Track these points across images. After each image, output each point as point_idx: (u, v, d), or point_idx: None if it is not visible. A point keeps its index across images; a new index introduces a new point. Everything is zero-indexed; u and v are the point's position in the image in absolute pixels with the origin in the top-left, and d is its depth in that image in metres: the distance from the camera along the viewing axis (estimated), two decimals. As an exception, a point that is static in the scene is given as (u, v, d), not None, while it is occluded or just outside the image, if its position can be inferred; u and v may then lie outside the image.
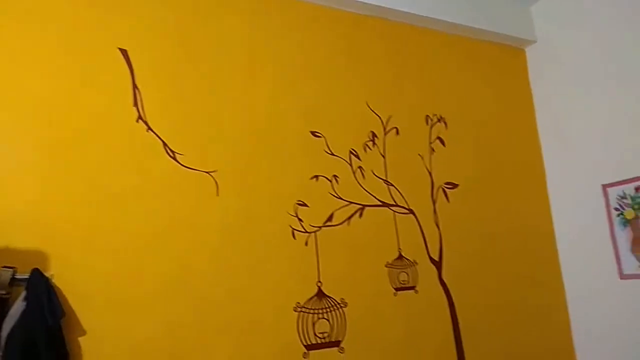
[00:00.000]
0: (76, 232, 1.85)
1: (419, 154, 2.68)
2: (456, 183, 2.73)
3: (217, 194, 2.14)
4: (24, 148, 1.85)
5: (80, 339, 1.79)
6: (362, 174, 2.49)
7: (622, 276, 2.59)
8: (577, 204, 2.84)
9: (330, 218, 2.35)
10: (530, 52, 3.20)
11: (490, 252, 2.72)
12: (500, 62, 3.10)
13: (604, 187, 2.70)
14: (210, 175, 2.14)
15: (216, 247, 2.07)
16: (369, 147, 2.55)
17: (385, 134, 2.61)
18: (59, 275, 1.79)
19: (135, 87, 2.07)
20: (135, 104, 2.06)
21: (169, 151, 2.09)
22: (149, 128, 2.06)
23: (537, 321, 2.75)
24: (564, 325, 2.83)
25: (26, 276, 1.69)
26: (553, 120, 3.03)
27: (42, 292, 1.68)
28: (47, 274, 1.74)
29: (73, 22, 2.02)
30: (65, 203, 1.86)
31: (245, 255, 2.12)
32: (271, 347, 2.08)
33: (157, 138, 2.07)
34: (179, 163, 2.09)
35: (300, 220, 2.28)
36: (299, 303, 2.18)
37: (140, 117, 2.06)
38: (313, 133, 2.42)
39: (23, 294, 1.66)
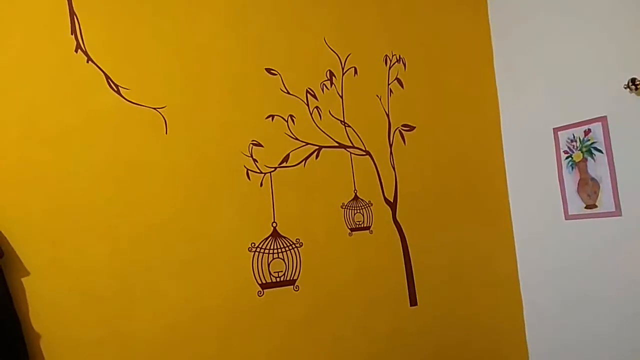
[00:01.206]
0: (11, 172, 1.74)
1: (377, 95, 2.64)
2: (413, 125, 2.73)
3: (166, 132, 2.04)
4: None
5: (23, 279, 1.72)
6: (319, 115, 2.44)
7: (568, 217, 2.69)
8: (529, 146, 2.90)
9: (286, 159, 2.31)
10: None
11: (443, 194, 2.77)
12: (460, 2, 3.03)
13: (555, 130, 2.75)
14: (158, 111, 2.04)
15: (165, 188, 2.00)
16: (327, 87, 2.48)
17: (343, 73, 2.55)
18: (-3, 216, 1.69)
19: (73, 13, 1.90)
20: (74, 32, 1.90)
21: (112, 85, 1.96)
22: (89, 59, 1.92)
23: (486, 261, 2.86)
24: (511, 264, 2.96)
25: (-43, 215, 1.58)
26: (509, 63, 3.03)
27: (-24, 231, 1.58)
28: (-18, 214, 1.64)
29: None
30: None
31: (197, 196, 2.07)
32: (225, 286, 2.07)
33: (98, 70, 1.93)
34: (124, 98, 1.97)
35: (255, 160, 2.22)
36: (253, 243, 2.17)
37: (79, 47, 1.91)
38: (268, 70, 2.33)
39: (-46, 233, 1.56)
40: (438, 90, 2.85)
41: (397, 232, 2.58)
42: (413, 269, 2.59)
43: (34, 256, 1.74)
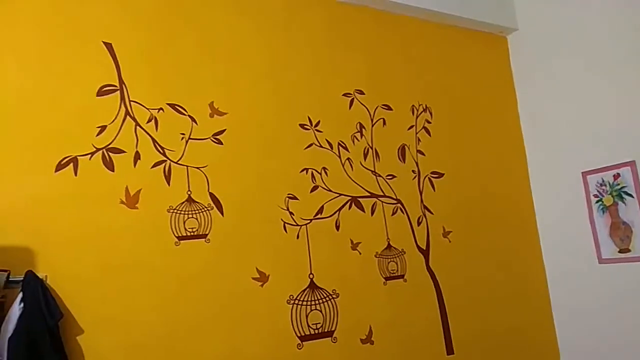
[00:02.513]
0: (67, 232, 1.84)
1: (405, 145, 2.71)
2: (441, 172, 2.78)
3: (208, 189, 2.13)
4: (9, 146, 1.81)
5: (78, 338, 1.79)
6: (351, 166, 2.52)
7: (601, 260, 2.69)
8: (558, 190, 2.93)
9: (320, 210, 2.38)
10: (512, 40, 3.24)
11: (475, 239, 2.79)
12: (483, 50, 3.13)
13: (584, 174, 2.78)
14: (201, 170, 2.13)
15: (210, 240, 2.08)
16: (357, 139, 2.57)
17: (372, 124, 2.64)
18: (52, 277, 1.77)
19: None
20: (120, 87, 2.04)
21: (158, 147, 2.07)
22: (138, 124, 2.04)
23: (520, 304, 2.85)
24: (545, 307, 2.93)
25: (20, 278, 1.67)
26: (534, 108, 3.09)
27: (38, 293, 1.67)
28: (40, 275, 1.73)
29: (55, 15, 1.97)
30: (55, 203, 1.84)
31: (239, 249, 2.13)
32: (265, 339, 2.11)
33: (146, 135, 2.05)
34: (169, 159, 2.08)
35: (291, 213, 2.30)
36: (292, 295, 2.21)
37: (127, 114, 2.03)
38: (302, 126, 2.42)
39: (19, 296, 1.65)
40: (464, 137, 2.92)
41: (430, 279, 2.60)
42: (448, 317, 2.59)
43: (87, 316, 1.81)
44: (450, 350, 2.55)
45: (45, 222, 1.81)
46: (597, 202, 2.72)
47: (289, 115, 2.40)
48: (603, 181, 2.68)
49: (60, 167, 1.87)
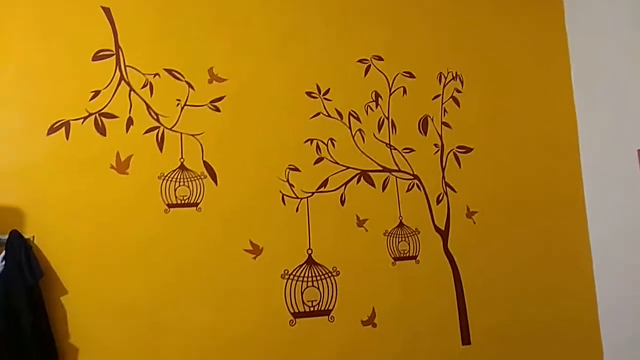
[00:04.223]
0: (57, 194, 1.87)
1: (427, 116, 2.48)
2: (470, 147, 2.52)
3: (202, 157, 2.08)
4: (5, 111, 1.86)
5: (62, 298, 1.84)
6: (362, 137, 2.35)
7: (655, 252, 2.32)
8: (610, 169, 2.55)
9: (324, 183, 2.25)
10: (569, 1, 2.84)
11: (506, 221, 2.51)
12: (532, 8, 2.76)
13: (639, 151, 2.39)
14: (196, 138, 2.09)
15: (201, 209, 2.04)
16: (371, 109, 2.39)
17: (390, 94, 2.44)
18: (40, 237, 1.82)
19: (117, 46, 2.03)
20: (117, 64, 2.02)
21: (152, 113, 2.04)
22: (132, 89, 2.02)
23: (557, 296, 2.53)
24: (589, 302, 2.59)
25: (5, 237, 1.72)
26: (588, 78, 2.70)
27: (20, 252, 1.71)
28: (27, 236, 1.78)
29: None
30: (46, 166, 1.87)
31: (231, 219, 2.08)
32: (255, 313, 2.05)
33: (141, 100, 2.03)
34: (163, 125, 2.05)
35: (291, 185, 2.19)
36: (287, 270, 2.12)
37: (122, 79, 2.02)
38: (308, 94, 2.29)
39: (2, 254, 1.70)
40: (502, 109, 2.61)
41: (448, 262, 2.39)
42: (467, 303, 2.37)
43: (73, 277, 1.85)
44: (466, 340, 2.34)
45: (35, 184, 1.86)
46: (654, 184, 2.33)
47: (295, 82, 2.28)
48: (662, 160, 2.29)
49: (52, 130, 1.91)
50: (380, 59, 2.44)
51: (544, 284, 2.51)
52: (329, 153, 2.28)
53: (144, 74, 2.05)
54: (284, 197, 2.17)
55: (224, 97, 2.14)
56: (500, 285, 2.44)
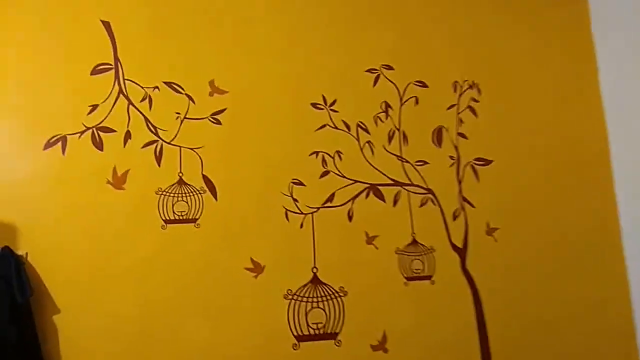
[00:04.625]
0: (52, 210, 1.83)
1: (442, 126, 2.35)
2: (489, 159, 2.36)
3: (202, 172, 2.01)
4: (1, 125, 1.85)
5: (54, 317, 1.77)
6: (372, 150, 2.23)
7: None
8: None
9: (330, 198, 2.13)
10: (594, 1, 2.67)
11: (531, 238, 2.32)
12: (555, 10, 2.60)
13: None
14: (195, 151, 2.02)
15: (200, 225, 1.95)
16: (381, 120, 2.28)
17: (401, 104, 2.32)
18: (34, 254, 1.77)
19: (116, 59, 2.00)
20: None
21: (150, 127, 1.99)
22: (131, 103, 1.98)
23: (591, 320, 2.31)
24: (624, 325, 2.35)
25: (-4, 253, 1.69)
26: (619, 82, 2.51)
27: (10, 268, 1.66)
28: (20, 252, 1.73)
29: None
30: (41, 181, 1.84)
31: (231, 236, 1.98)
32: (256, 336, 1.93)
33: (139, 114, 1.99)
34: (161, 139, 1.99)
35: (295, 200, 2.09)
36: (290, 290, 2.00)
37: (121, 92, 1.98)
38: (314, 105, 2.20)
39: (-9, 271, 1.66)
40: (525, 118, 2.45)
41: (467, 283, 2.21)
42: (487, 328, 2.18)
43: (67, 295, 1.79)
44: (488, 368, 2.14)
45: (30, 199, 1.82)
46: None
47: (300, 93, 2.19)
48: None
49: (48, 145, 1.88)
50: (391, 68, 2.33)
51: (575, 306, 2.29)
52: (336, 166, 2.17)
53: (143, 87, 2.01)
54: (288, 212, 2.07)
55: (225, 109, 2.08)
56: (525, 308, 2.24)
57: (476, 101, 2.41)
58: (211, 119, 2.06)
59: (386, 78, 2.32)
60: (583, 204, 2.42)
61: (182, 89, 2.05)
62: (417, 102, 2.34)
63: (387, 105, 2.30)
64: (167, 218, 1.93)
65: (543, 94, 2.49)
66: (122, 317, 1.82)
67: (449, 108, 2.37)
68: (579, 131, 2.50)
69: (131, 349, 1.81)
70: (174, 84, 2.05)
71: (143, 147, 1.96)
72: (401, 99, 2.32)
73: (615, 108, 2.52)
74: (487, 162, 2.36)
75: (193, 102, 2.05)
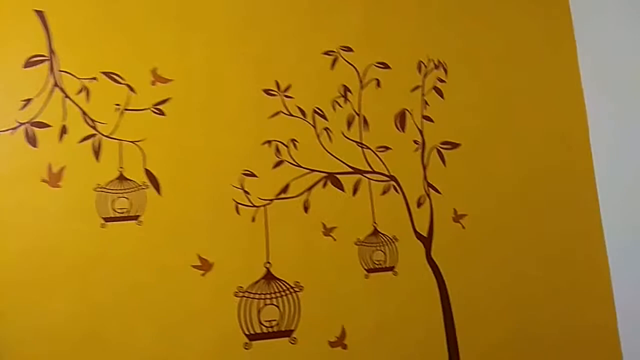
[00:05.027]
0: (-17, 211, 1.74)
1: (406, 110, 2.22)
2: (457, 142, 2.24)
3: (144, 165, 1.91)
4: None
5: (-10, 322, 1.70)
6: (329, 137, 2.12)
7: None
8: (625, 162, 2.21)
9: (284, 189, 2.03)
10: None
11: (502, 225, 2.21)
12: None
13: (656, 139, 2.04)
14: (137, 144, 1.92)
15: (142, 222, 1.86)
16: (340, 105, 2.16)
17: (361, 87, 2.19)
18: (-36, 258, 1.69)
19: (51, 50, 1.90)
20: (52, 69, 1.89)
21: (88, 121, 1.89)
22: (67, 96, 1.88)
23: (567, 313, 2.19)
24: (605, 320, 2.23)
25: None
26: (600, 60, 2.36)
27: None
28: (-51, 257, 1.65)
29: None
30: (-30, 181, 1.75)
31: (176, 232, 1.89)
32: (204, 335, 1.84)
33: (76, 107, 1.89)
34: (100, 133, 1.89)
35: (246, 192, 1.98)
36: (241, 287, 1.91)
37: (56, 84, 1.88)
38: (266, 91, 2.08)
39: None
40: (493, 98, 2.32)
41: (432, 273, 2.11)
42: (455, 320, 2.08)
43: (3, 299, 1.71)
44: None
45: (-42, 200, 1.73)
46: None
47: (251, 80, 2.08)
48: (682, 147, 1.94)
49: (-22, 143, 1.78)
50: (350, 49, 2.20)
51: (548, 297, 2.19)
52: (290, 155, 2.06)
53: (79, 79, 1.91)
54: (238, 206, 1.96)
55: (168, 99, 1.97)
56: (495, 299, 2.13)
57: (443, 82, 2.28)
58: (154, 110, 1.95)
59: (345, 60, 2.19)
60: (558, 189, 2.30)
61: (122, 78, 1.94)
62: (378, 84, 2.21)
63: (346, 89, 2.17)
64: (107, 216, 1.83)
65: (516, 73, 2.36)
66: (63, 318, 1.74)
67: (413, 90, 2.25)
68: (556, 114, 2.36)
69: (74, 351, 1.73)
70: (113, 73, 1.94)
71: (80, 142, 1.86)
72: (361, 82, 2.20)
73: (596, 90, 2.37)
74: (455, 146, 2.23)
75: (134, 92, 1.94)
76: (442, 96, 2.27)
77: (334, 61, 2.18)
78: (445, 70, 2.29)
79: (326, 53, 2.18)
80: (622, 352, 2.20)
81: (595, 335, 2.19)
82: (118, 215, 1.84)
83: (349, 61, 2.19)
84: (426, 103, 2.25)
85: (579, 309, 2.20)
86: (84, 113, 1.89)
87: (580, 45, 2.44)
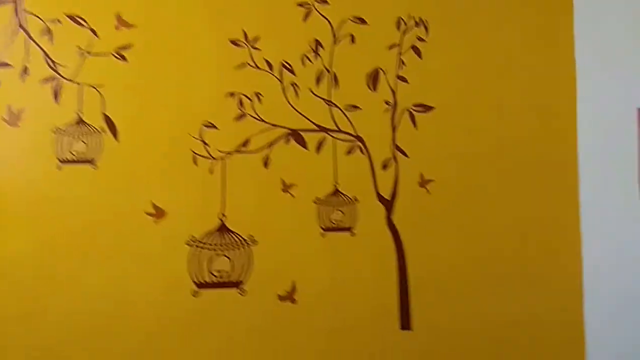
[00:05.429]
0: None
1: (380, 68, 2.14)
2: (430, 105, 2.16)
3: (104, 110, 1.92)
4: None
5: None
6: (296, 92, 2.07)
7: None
8: (607, 131, 2.10)
9: (245, 143, 2.01)
10: None
11: (471, 191, 2.14)
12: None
13: (640, 111, 1.92)
14: (96, 89, 1.92)
15: (98, 167, 1.89)
16: (309, 60, 2.10)
17: (335, 42, 2.12)
18: None
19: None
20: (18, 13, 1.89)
21: (50, 62, 1.90)
22: (30, 37, 1.89)
23: (530, 287, 2.14)
24: (574, 294, 2.17)
25: None
26: (597, 30, 2.20)
27: None
28: None
29: None
30: None
31: (131, 179, 1.91)
32: (153, 280, 1.89)
33: (38, 48, 1.89)
34: (61, 75, 1.90)
35: (205, 144, 1.98)
36: (193, 237, 1.94)
37: (20, 25, 1.89)
38: (233, 42, 2.04)
39: None
40: (477, 62, 2.20)
41: (391, 236, 2.08)
42: (409, 284, 2.06)
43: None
44: (406, 325, 2.04)
45: None
46: (651, 152, 1.87)
47: (217, 29, 2.03)
48: (662, 121, 1.82)
49: (-60, 80, 1.82)
50: (325, 2, 2.12)
51: (514, 270, 2.14)
52: (254, 109, 2.03)
53: (43, 21, 1.90)
54: (196, 156, 1.96)
55: (131, 45, 1.95)
56: (454, 267, 2.10)
57: (422, 40, 2.18)
58: (115, 55, 1.94)
59: (319, 13, 2.11)
60: (536, 155, 2.20)
61: (86, 22, 1.93)
62: (353, 40, 2.13)
63: (318, 44, 2.11)
64: (64, 158, 1.86)
65: (502, 37, 2.22)
66: (15, 258, 1.81)
67: (390, 48, 2.16)
68: (543, 83, 2.23)
69: (22, 289, 1.81)
70: (77, 16, 1.93)
71: (41, 83, 1.88)
72: (335, 37, 2.12)
73: (590, 59, 2.22)
74: (428, 109, 2.16)
75: (97, 36, 1.93)
76: (420, 56, 2.17)
77: (307, 13, 2.11)
78: (427, 29, 2.19)
79: (300, 4, 2.10)
80: (584, 321, 2.15)
81: (560, 310, 2.15)
82: (74, 158, 1.87)
83: (324, 14, 2.11)
84: (402, 62, 2.16)
85: (545, 281, 2.15)
86: (46, 55, 1.89)
87: (577, 8, 2.28)
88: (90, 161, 1.88)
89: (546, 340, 2.12)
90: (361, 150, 2.09)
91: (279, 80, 2.06)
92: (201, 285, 1.92)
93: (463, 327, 2.06)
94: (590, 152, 2.19)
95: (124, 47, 1.95)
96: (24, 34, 1.89)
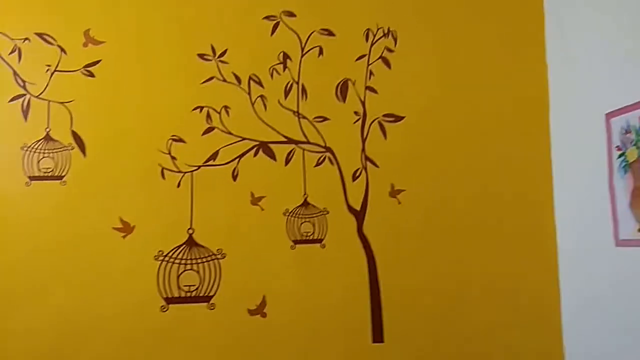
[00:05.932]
0: None
1: (349, 79, 2.15)
2: (400, 115, 2.16)
3: (71, 127, 1.94)
4: None
5: None
6: (264, 105, 2.09)
7: (618, 242, 1.85)
8: (578, 139, 2.09)
9: (213, 156, 2.02)
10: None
11: (444, 204, 2.13)
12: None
13: (608, 116, 1.91)
14: (65, 105, 1.94)
15: (66, 183, 1.90)
16: (277, 72, 2.11)
17: (302, 54, 2.14)
18: None
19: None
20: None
21: (19, 81, 1.93)
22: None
23: (503, 295, 2.12)
24: (549, 299, 2.14)
25: None
26: (562, 32, 2.20)
27: None
28: None
29: None
30: None
31: (99, 194, 1.92)
32: (121, 296, 1.89)
33: (6, 66, 1.92)
34: (29, 93, 1.93)
35: (173, 158, 1.99)
36: (162, 251, 1.94)
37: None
38: (201, 56, 2.06)
39: None
40: (447, 72, 2.21)
41: (362, 247, 2.07)
42: (381, 296, 2.05)
43: None
44: (378, 338, 2.02)
45: None
46: (619, 157, 1.85)
47: (185, 43, 2.06)
48: (628, 126, 1.81)
49: None
50: (292, 14, 2.14)
51: (485, 281, 2.12)
52: (222, 122, 2.04)
53: (12, 39, 1.93)
54: (164, 170, 1.98)
55: (99, 61, 1.98)
56: (426, 278, 2.08)
57: (391, 51, 2.19)
58: (84, 72, 1.96)
59: (286, 26, 2.13)
60: (510, 162, 2.19)
61: (54, 40, 1.96)
62: (321, 52, 2.15)
63: (286, 56, 2.12)
64: (32, 175, 1.88)
65: (471, 47, 2.23)
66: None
67: (358, 59, 2.17)
68: (514, 91, 2.23)
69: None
70: (46, 34, 1.96)
71: (10, 101, 1.90)
72: (302, 49, 2.14)
73: (559, 63, 2.22)
74: (398, 119, 2.16)
75: (65, 53, 1.96)
76: (389, 66, 2.18)
77: (275, 26, 2.13)
78: (395, 40, 2.20)
79: (267, 17, 2.12)
80: (561, 319, 2.11)
81: (538, 332, 2.12)
82: (43, 174, 1.88)
83: (291, 27, 2.13)
84: (371, 73, 2.17)
85: (521, 293, 2.12)
86: (15, 73, 1.92)
87: (548, 16, 2.29)
88: (58, 177, 1.89)
89: (522, 349, 2.08)
90: (331, 161, 2.10)
91: (247, 94, 2.07)
92: (170, 300, 1.91)
93: (436, 340, 2.04)
94: (562, 157, 2.18)
95: (92, 64, 1.98)
96: (-7, 53, 1.91)
